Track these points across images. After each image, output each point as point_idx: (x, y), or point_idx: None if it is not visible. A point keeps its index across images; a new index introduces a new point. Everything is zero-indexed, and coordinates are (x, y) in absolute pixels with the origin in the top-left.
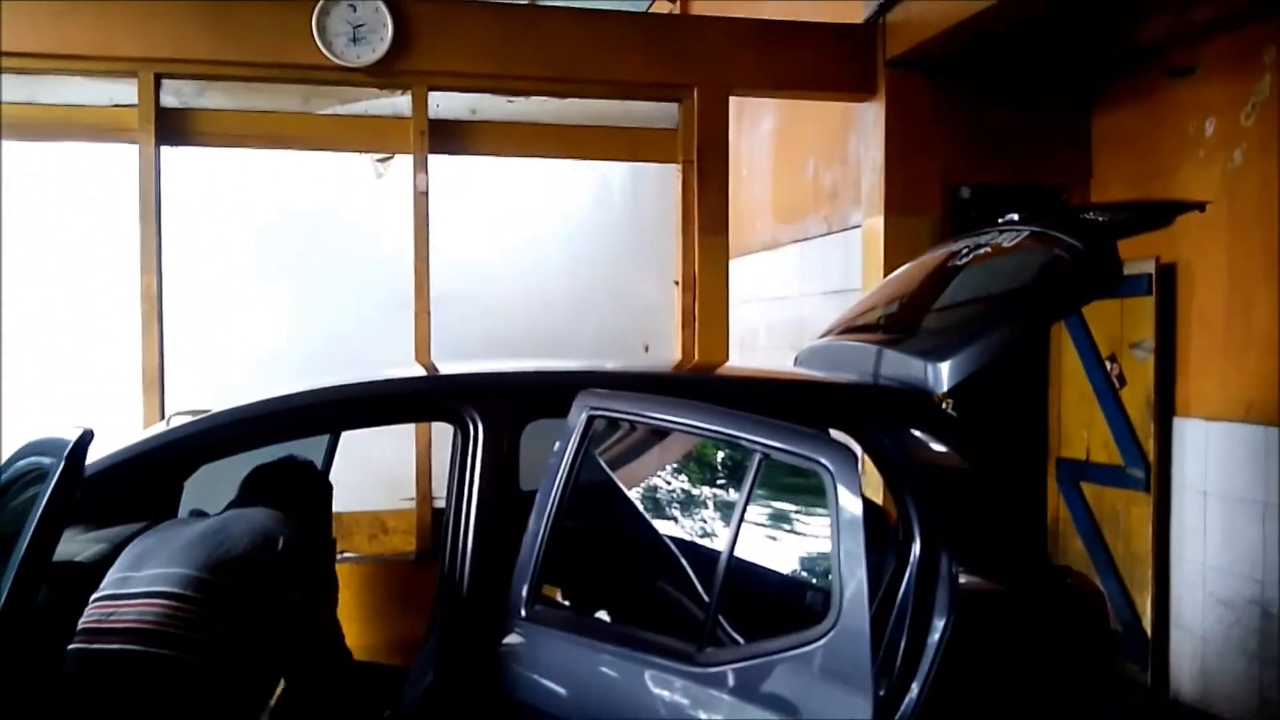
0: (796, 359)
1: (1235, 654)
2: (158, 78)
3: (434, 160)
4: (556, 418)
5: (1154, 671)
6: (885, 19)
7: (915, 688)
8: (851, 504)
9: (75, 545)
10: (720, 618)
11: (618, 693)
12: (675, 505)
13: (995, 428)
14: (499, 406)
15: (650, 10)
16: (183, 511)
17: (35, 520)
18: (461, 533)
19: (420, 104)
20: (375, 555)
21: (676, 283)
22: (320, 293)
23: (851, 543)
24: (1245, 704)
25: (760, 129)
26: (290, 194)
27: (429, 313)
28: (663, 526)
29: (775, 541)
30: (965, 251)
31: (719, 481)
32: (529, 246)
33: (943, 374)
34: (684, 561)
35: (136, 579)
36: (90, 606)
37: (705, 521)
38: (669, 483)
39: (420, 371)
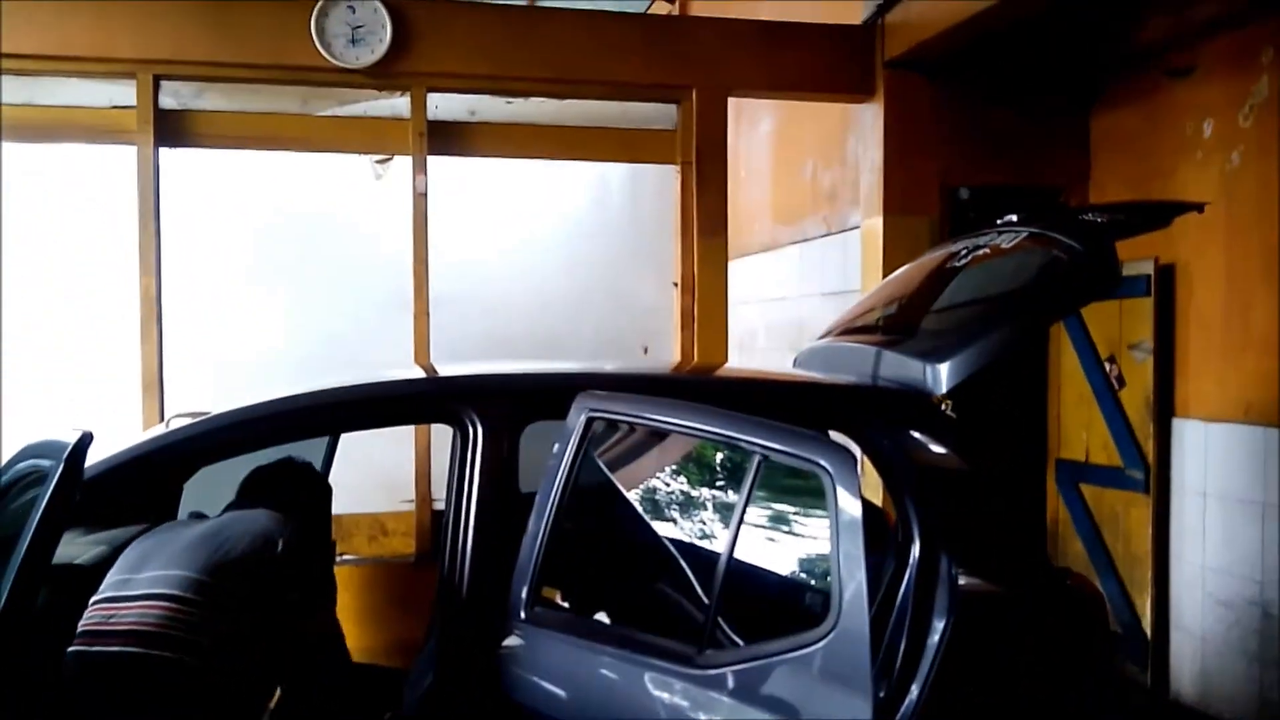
0: (795, 360)
1: (1235, 655)
2: (156, 79)
3: (433, 162)
4: (556, 419)
5: (1154, 672)
6: (884, 20)
7: (915, 689)
8: (851, 506)
9: (75, 548)
10: (720, 620)
11: (617, 695)
12: (674, 507)
13: (994, 429)
14: (498, 408)
15: (649, 11)
16: (182, 513)
17: (35, 523)
18: (461, 535)
19: (419, 105)
20: (375, 557)
21: (675, 284)
22: (319, 294)
23: (851, 544)
24: (1245, 705)
25: (759, 130)
26: (289, 195)
27: (428, 314)
28: (662, 528)
29: (775, 543)
30: (964, 252)
31: (718, 483)
32: (528, 248)
33: (942, 375)
34: (683, 563)
35: (136, 581)
36: (90, 609)
37: (704, 523)
38: (668, 485)
39: (419, 373)
